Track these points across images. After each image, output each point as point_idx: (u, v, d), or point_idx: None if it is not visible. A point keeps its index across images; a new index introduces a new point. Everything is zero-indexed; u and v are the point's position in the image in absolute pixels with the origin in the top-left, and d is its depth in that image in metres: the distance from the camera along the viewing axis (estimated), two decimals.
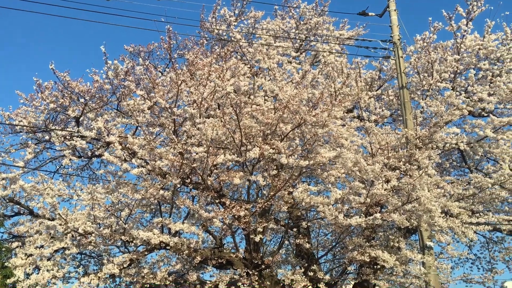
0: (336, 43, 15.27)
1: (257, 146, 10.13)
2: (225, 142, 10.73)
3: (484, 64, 13.66)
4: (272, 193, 10.64)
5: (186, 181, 10.45)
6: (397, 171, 11.22)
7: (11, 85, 77.56)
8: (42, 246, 10.87)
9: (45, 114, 13.11)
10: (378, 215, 10.20)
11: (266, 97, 12.00)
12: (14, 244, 11.34)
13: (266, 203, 10.53)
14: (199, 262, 10.99)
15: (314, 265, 11.96)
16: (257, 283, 10.79)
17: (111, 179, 11.65)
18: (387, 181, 10.82)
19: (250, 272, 10.90)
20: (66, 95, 12.77)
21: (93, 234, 10.59)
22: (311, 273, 11.48)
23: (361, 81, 13.80)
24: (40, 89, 12.91)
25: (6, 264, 11.90)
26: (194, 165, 10.08)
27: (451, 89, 13.29)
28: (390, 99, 14.52)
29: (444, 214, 11.51)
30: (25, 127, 13.09)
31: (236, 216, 10.18)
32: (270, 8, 16.31)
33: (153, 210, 12.23)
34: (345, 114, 11.84)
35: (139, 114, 11.17)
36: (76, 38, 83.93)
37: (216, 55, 11.82)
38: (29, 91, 18.14)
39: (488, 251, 14.98)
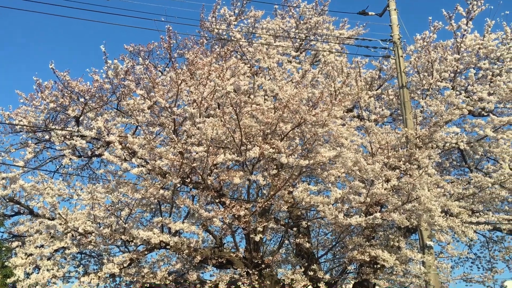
0: (336, 43, 15.28)
1: (257, 146, 10.13)
2: (225, 141, 10.73)
3: (484, 64, 13.66)
4: (272, 193, 10.64)
5: (186, 180, 10.45)
6: (397, 170, 11.22)
7: (11, 85, 77.56)
8: (42, 246, 10.87)
9: (45, 113, 13.13)
10: (378, 214, 10.21)
11: (266, 97, 12.00)
12: (14, 244, 11.34)
13: (266, 203, 10.54)
14: (199, 262, 10.99)
15: (314, 264, 11.97)
16: (257, 282, 10.79)
17: (111, 178, 11.66)
18: (387, 181, 10.82)
19: (250, 272, 10.90)
20: (66, 94, 12.77)
21: (93, 234, 10.59)
22: (311, 273, 11.49)
23: (361, 81, 13.80)
24: (40, 89, 12.93)
25: (6, 263, 11.90)
26: (194, 164, 10.08)
27: (451, 89, 13.29)
28: (390, 99, 14.52)
29: (444, 214, 11.51)
30: (25, 127, 13.09)
31: (236, 216, 10.18)
32: (270, 7, 16.34)
33: (153, 209, 12.24)
34: (345, 113, 11.84)
35: (139, 114, 11.17)
36: (76, 38, 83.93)
37: (216, 54, 11.83)
38: (29, 91, 18.20)
39: (488, 251, 15.00)
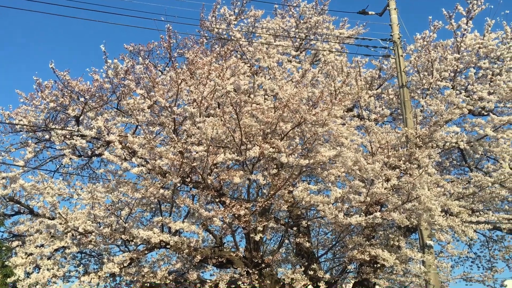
0: (336, 42, 15.27)
1: (257, 145, 10.13)
2: (225, 141, 10.73)
3: (484, 63, 13.66)
4: (272, 192, 10.64)
5: (186, 180, 10.46)
6: (397, 170, 11.22)
7: (11, 84, 77.57)
8: (42, 245, 10.87)
9: (45, 113, 13.13)
10: (378, 214, 10.21)
11: (266, 96, 12.01)
12: (14, 243, 11.34)
13: (266, 202, 10.54)
14: (199, 261, 10.99)
15: (314, 264, 11.97)
16: (257, 282, 10.80)
17: (111, 178, 11.67)
18: (387, 180, 10.83)
19: (250, 271, 10.91)
20: (66, 94, 12.78)
21: (93, 233, 10.59)
22: (311, 272, 11.49)
23: (361, 80, 13.80)
24: (40, 88, 12.93)
25: (6, 263, 11.89)
26: (194, 164, 10.09)
27: (451, 88, 13.29)
28: (390, 98, 14.52)
29: (444, 213, 11.51)
30: (25, 126, 13.10)
31: (236, 215, 10.18)
32: (270, 7, 16.32)
33: (153, 209, 12.24)
34: (345, 113, 11.85)
35: (139, 113, 11.17)
36: (76, 37, 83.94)
37: (216, 54, 11.83)
38: (29, 90, 18.17)
39: (488, 250, 15.01)
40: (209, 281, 11.22)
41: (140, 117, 11.11)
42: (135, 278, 10.81)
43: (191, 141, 10.34)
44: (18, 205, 12.25)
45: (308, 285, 11.33)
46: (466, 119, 13.65)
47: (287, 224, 12.77)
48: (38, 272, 10.68)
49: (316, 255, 13.16)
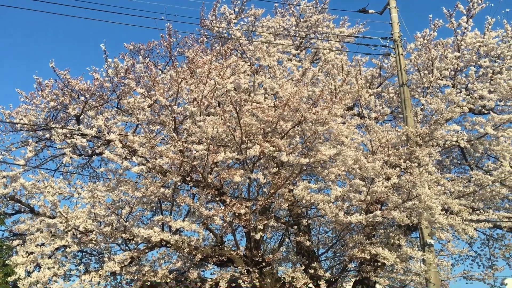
0: (336, 41, 15.27)
1: (258, 144, 10.13)
2: (226, 140, 10.73)
3: (484, 61, 13.66)
4: (272, 191, 10.65)
5: (187, 179, 10.46)
6: (398, 168, 11.23)
7: (12, 83, 77.58)
8: (43, 244, 10.88)
9: (45, 112, 13.14)
10: (378, 212, 10.21)
11: (266, 95, 12.00)
12: (15, 242, 11.35)
13: (266, 201, 10.54)
14: (199, 260, 11.00)
15: (315, 262, 11.98)
16: (257, 280, 10.80)
17: (111, 177, 11.68)
18: (388, 179, 10.83)
19: (251, 270, 10.91)
20: (67, 93, 12.79)
21: (93, 232, 10.60)
22: (311, 271, 11.50)
23: (361, 79, 13.79)
24: (41, 87, 12.94)
25: (7, 262, 11.90)
26: (195, 163, 10.09)
27: (452, 87, 13.28)
28: (390, 97, 14.51)
29: (444, 212, 11.51)
30: (25, 125, 13.11)
31: (236, 214, 10.19)
32: (270, 5, 16.33)
33: (154, 208, 12.24)
34: (345, 111, 11.85)
35: (140, 112, 11.18)
36: (76, 37, 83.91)
37: (216, 53, 11.82)
38: (30, 90, 18.17)
39: (489, 248, 15.01)
40: (209, 280, 11.22)
41: (141, 116, 11.11)
42: (136, 277, 10.82)
43: (192, 140, 10.34)
44: (19, 204, 12.27)
45: (309, 283, 11.33)
46: (467, 117, 13.65)
47: (288, 222, 12.77)
48: (38, 271, 10.69)
49: (317, 254, 13.17)
